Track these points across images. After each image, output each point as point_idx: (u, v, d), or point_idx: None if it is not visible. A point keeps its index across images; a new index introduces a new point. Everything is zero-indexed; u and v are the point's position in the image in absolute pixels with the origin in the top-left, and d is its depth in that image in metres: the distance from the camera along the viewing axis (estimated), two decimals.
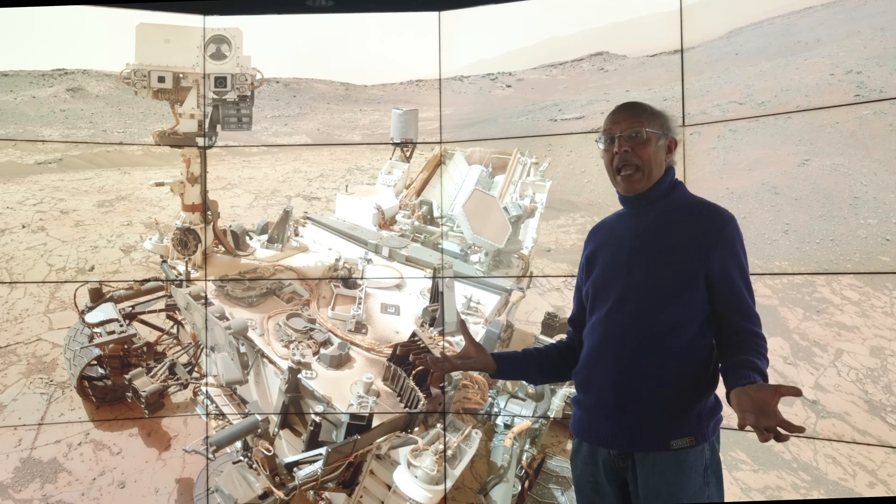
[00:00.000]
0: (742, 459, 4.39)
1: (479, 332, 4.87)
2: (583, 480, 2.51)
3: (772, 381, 2.15)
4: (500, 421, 4.74)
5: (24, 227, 10.34)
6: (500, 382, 4.98)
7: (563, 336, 2.76)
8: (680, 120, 2.52)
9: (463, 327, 2.67)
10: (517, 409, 4.76)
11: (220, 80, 5.25)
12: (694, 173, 4.37)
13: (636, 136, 2.38)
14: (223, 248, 5.72)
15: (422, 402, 4.04)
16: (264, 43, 5.60)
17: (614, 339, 2.36)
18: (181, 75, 5.23)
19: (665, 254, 2.33)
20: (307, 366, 4.26)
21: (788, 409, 4.26)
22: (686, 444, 2.27)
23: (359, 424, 3.90)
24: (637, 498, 2.34)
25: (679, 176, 2.48)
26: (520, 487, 4.49)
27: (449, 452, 3.91)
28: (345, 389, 4.20)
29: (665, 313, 2.27)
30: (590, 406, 2.45)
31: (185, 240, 5.47)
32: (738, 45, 4.62)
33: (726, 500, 2.43)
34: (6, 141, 7.36)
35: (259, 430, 3.93)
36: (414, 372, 4.12)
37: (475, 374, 4.53)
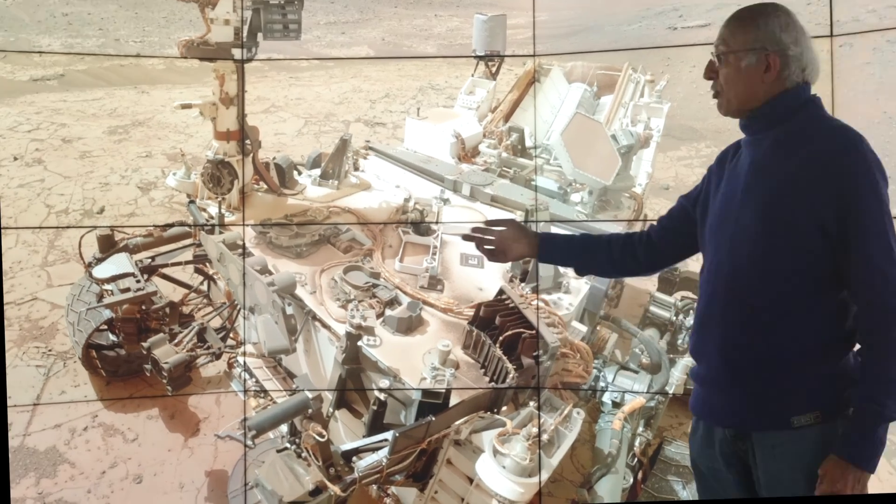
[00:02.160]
0: None
1: (581, 288, 4.85)
2: (701, 466, 2.66)
3: None
4: (607, 398, 4.78)
5: (16, 159, 10.53)
6: (607, 350, 5.00)
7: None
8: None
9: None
10: (628, 384, 4.80)
11: None
12: (844, 94, 4.15)
13: (719, 56, 2.46)
14: (265, 186, 5.71)
15: (511, 376, 3.93)
16: None
17: (722, 298, 2.43)
18: None
19: (776, 193, 2.33)
20: (369, 331, 4.20)
21: None
22: (811, 420, 2.31)
23: (433, 403, 3.83)
24: (758, 485, 2.43)
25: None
26: (632, 480, 4.44)
27: (544, 437, 3.76)
28: (416, 360, 4.15)
29: (778, 266, 2.29)
30: (702, 377, 2.57)
31: (219, 175, 5.47)
32: None
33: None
34: None
35: (310, 411, 3.84)
36: (502, 338, 4.01)
37: (577, 340, 4.45)
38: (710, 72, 2.46)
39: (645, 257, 2.85)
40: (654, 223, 2.88)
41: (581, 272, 3.25)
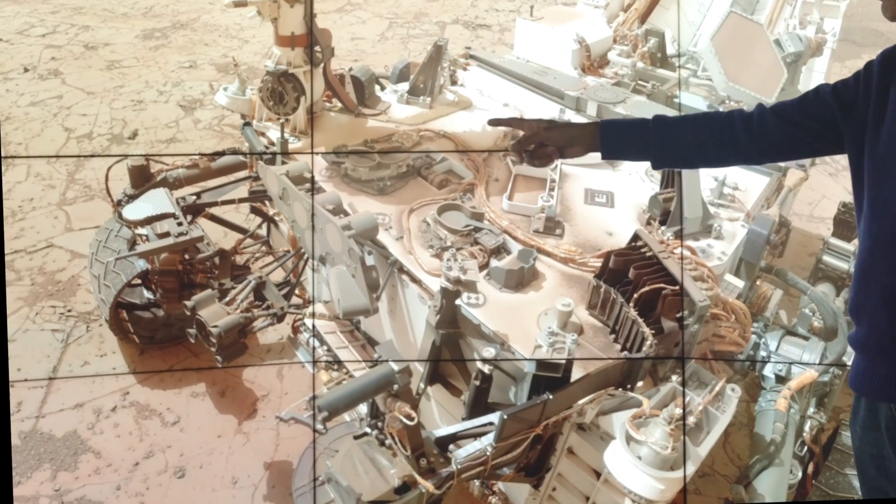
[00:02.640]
0: None
1: (737, 233, 4.82)
2: (863, 453, 2.63)
3: None
4: (769, 371, 4.70)
5: (26, 70, 10.73)
6: (769, 311, 5.01)
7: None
8: None
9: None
10: (796, 353, 4.77)
11: None
12: None
13: None
14: (339, 104, 5.71)
15: (648, 343, 3.86)
16: None
17: (886, 245, 2.34)
18: None
19: None
20: (470, 286, 4.14)
21: None
22: None
23: (551, 377, 3.77)
24: None
25: None
26: (800, 473, 4.41)
27: (690, 420, 3.75)
28: (529, 322, 4.10)
29: None
30: (863, 343, 2.50)
31: (281, 90, 5.49)
32: None
33: None
34: None
35: (395, 387, 3.82)
36: (637, 295, 3.95)
37: (732, 298, 4.39)
38: None
39: (750, 143, 2.79)
40: (768, 104, 2.79)
41: (658, 163, 3.11)
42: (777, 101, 2.80)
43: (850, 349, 4.68)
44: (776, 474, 4.24)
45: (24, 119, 8.95)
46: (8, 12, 10.98)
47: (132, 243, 5.28)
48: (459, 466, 3.56)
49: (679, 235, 4.51)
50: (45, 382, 5.42)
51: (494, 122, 3.02)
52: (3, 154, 7.44)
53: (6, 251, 6.78)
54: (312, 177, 4.88)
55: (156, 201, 5.12)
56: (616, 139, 2.85)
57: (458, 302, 4.10)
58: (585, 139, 2.83)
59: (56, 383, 5.41)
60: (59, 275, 6.59)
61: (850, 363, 4.60)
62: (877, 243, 2.39)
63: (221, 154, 5.70)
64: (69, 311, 6.14)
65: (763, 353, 4.71)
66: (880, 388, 2.42)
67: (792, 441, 4.38)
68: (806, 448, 4.51)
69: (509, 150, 3.09)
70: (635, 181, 5.23)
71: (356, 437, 3.75)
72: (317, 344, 4.80)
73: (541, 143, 2.88)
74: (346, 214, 4.52)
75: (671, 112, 5.75)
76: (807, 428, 4.59)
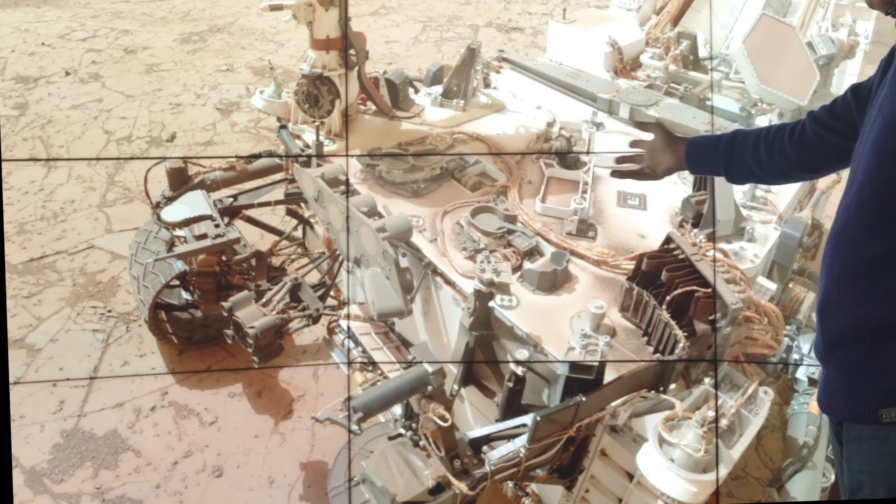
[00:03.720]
0: None
1: (769, 236, 4.80)
2: (837, 458, 2.60)
3: None
4: (802, 374, 4.70)
5: (68, 73, 10.79)
6: (802, 314, 5.01)
7: None
8: None
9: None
10: None
11: None
12: None
13: None
14: (373, 107, 5.73)
15: (681, 345, 3.84)
16: None
17: (830, 247, 2.36)
18: None
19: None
20: (504, 288, 4.15)
21: None
22: None
23: (584, 379, 3.77)
24: (843, 487, 2.46)
25: None
26: (833, 477, 4.33)
27: (723, 423, 3.73)
28: (562, 325, 4.10)
29: (883, 213, 2.17)
30: (817, 345, 2.51)
31: (316, 93, 5.49)
32: None
33: None
34: None
35: (429, 389, 3.84)
36: (669, 298, 3.94)
37: (765, 301, 4.36)
38: None
39: (796, 155, 2.80)
40: (815, 110, 2.80)
41: (733, 179, 3.14)
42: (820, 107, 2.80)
43: None
44: (809, 477, 4.24)
45: (66, 122, 9.01)
46: (50, 17, 11.07)
47: (170, 245, 5.31)
48: (493, 468, 3.56)
49: (711, 238, 4.52)
50: (87, 382, 5.45)
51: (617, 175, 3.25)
52: (45, 156, 7.50)
53: (48, 252, 6.84)
54: (347, 179, 4.89)
55: (193, 203, 5.17)
56: (697, 160, 3.03)
57: (491, 304, 4.10)
58: (680, 158, 3.01)
59: (97, 383, 5.45)
60: (100, 276, 6.63)
61: None
62: (827, 244, 2.41)
63: (258, 157, 5.72)
64: (109, 311, 6.18)
65: (795, 356, 4.69)
66: (819, 393, 2.50)
67: (825, 444, 4.35)
68: None
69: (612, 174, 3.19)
70: (668, 184, 5.19)
71: (391, 438, 3.76)
72: (352, 345, 4.81)
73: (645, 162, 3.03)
74: (381, 216, 4.53)
75: (703, 115, 5.76)
76: None
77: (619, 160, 3.16)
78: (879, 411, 2.22)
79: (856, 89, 2.62)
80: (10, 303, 6.22)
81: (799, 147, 2.74)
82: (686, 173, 5.09)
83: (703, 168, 3.22)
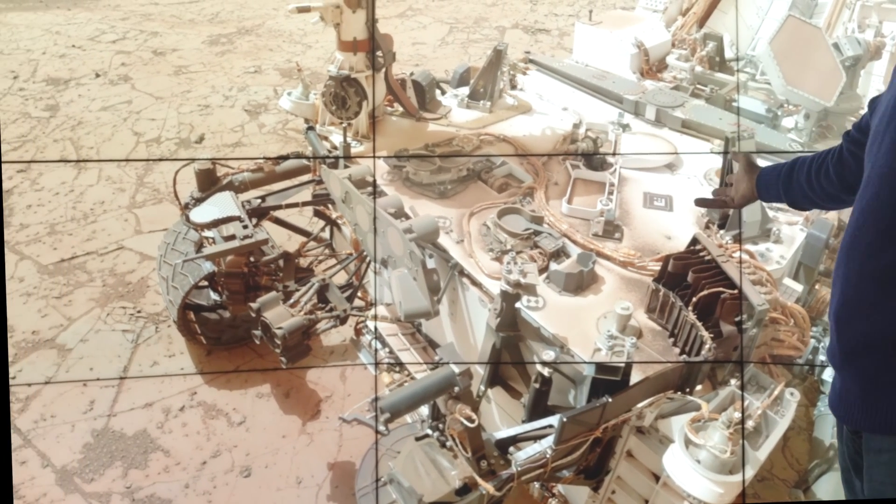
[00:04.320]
0: None
1: (795, 237, 4.77)
2: (842, 462, 2.69)
3: None
4: (828, 375, 4.64)
5: (98, 75, 10.84)
6: (827, 317, 4.83)
7: None
8: None
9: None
10: None
11: None
12: None
13: None
14: (400, 108, 5.74)
15: (707, 346, 3.83)
16: None
17: (844, 254, 2.34)
18: None
19: None
20: (530, 289, 4.18)
21: None
22: None
23: (610, 380, 3.77)
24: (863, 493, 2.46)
25: None
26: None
27: (749, 424, 3.70)
28: (588, 326, 4.10)
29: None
30: (830, 355, 2.48)
31: (344, 95, 5.51)
32: None
33: None
34: None
35: (456, 389, 3.82)
36: (696, 299, 3.93)
37: (791, 303, 4.36)
38: None
39: (837, 176, 2.79)
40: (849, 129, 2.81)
41: (795, 206, 3.15)
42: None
43: None
44: (835, 479, 4.20)
45: (96, 123, 9.04)
46: (80, 19, 11.14)
47: (199, 246, 5.33)
48: (519, 468, 3.57)
49: (738, 239, 4.50)
50: (117, 382, 5.48)
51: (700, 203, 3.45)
52: (76, 158, 7.55)
53: (79, 253, 6.88)
54: (374, 180, 4.90)
55: (222, 204, 5.18)
56: (764, 189, 3.10)
57: (517, 305, 4.11)
58: (752, 191, 3.12)
59: (126, 383, 5.47)
60: (129, 276, 6.65)
61: None
62: (840, 249, 2.39)
63: (285, 158, 5.73)
64: (139, 311, 6.20)
65: (822, 358, 4.63)
66: (833, 403, 2.46)
67: None
68: None
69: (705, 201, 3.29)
70: (694, 185, 5.20)
71: (418, 439, 3.77)
72: (379, 346, 4.83)
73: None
74: (408, 218, 4.53)
75: (729, 116, 5.74)
76: None
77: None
78: None
79: (873, 100, 2.59)
80: (41, 303, 6.25)
81: (838, 168, 2.74)
82: (713, 174, 5.11)
83: (770, 196, 3.25)
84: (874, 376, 2.25)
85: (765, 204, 4.74)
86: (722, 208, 3.31)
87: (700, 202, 3.46)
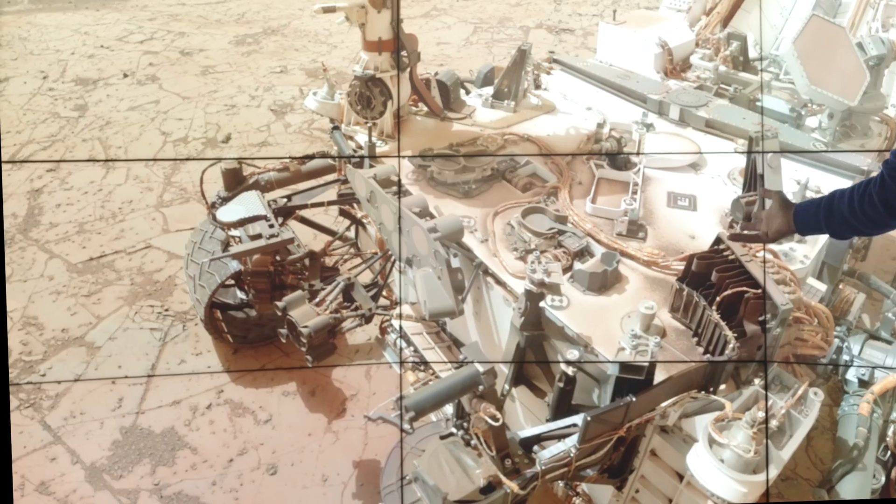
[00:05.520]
0: None
1: (819, 237, 4.75)
2: None
3: None
4: (852, 375, 4.64)
5: (126, 76, 10.86)
6: (852, 315, 4.94)
7: None
8: None
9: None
10: (879, 357, 4.69)
11: None
12: None
13: None
14: (425, 108, 5.76)
15: (731, 346, 3.84)
16: None
17: None
18: None
19: None
20: (554, 288, 4.19)
21: None
22: None
23: (634, 379, 3.79)
24: None
25: None
26: (884, 478, 4.34)
27: (773, 424, 3.69)
28: (612, 325, 4.11)
29: None
30: None
31: (369, 95, 5.52)
32: None
33: None
34: None
35: (480, 388, 3.82)
36: (719, 298, 3.93)
37: (815, 302, 4.35)
38: None
39: (882, 203, 2.82)
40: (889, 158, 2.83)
41: (836, 235, 3.23)
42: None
43: None
44: (859, 479, 4.21)
45: (124, 123, 9.08)
46: (109, 20, 11.21)
47: (226, 245, 5.36)
48: (544, 467, 3.59)
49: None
50: (145, 380, 5.51)
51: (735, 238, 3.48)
52: (104, 157, 7.61)
53: (107, 252, 6.92)
54: (399, 180, 4.91)
55: (248, 204, 5.22)
56: (804, 222, 3.13)
57: (542, 304, 4.12)
58: (788, 226, 3.16)
59: (154, 380, 5.50)
60: (157, 275, 6.68)
61: None
62: None
63: (311, 157, 5.77)
64: (166, 310, 6.23)
65: (846, 357, 4.66)
66: None
67: (875, 445, 4.33)
68: (889, 453, 4.44)
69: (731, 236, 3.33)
70: (718, 184, 5.20)
71: (442, 437, 3.81)
72: (403, 345, 4.84)
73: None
74: (432, 217, 4.55)
75: (753, 116, 5.73)
76: (890, 432, 4.50)
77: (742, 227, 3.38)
78: None
79: None
80: (70, 301, 6.30)
81: (882, 195, 2.78)
82: (737, 174, 5.10)
83: (808, 229, 3.31)
84: None
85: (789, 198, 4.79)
86: (755, 243, 3.36)
87: (735, 237, 3.53)
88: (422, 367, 4.70)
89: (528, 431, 3.79)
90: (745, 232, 3.37)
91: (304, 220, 5.89)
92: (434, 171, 5.10)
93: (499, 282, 4.46)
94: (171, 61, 11.40)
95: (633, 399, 3.59)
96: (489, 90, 6.20)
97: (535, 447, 3.69)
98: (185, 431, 5.25)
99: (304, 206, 5.74)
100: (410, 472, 3.75)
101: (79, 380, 5.48)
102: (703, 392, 3.89)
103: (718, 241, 4.22)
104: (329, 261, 5.69)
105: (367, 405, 5.18)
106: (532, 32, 12.49)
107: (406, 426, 3.68)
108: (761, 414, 3.56)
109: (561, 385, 3.90)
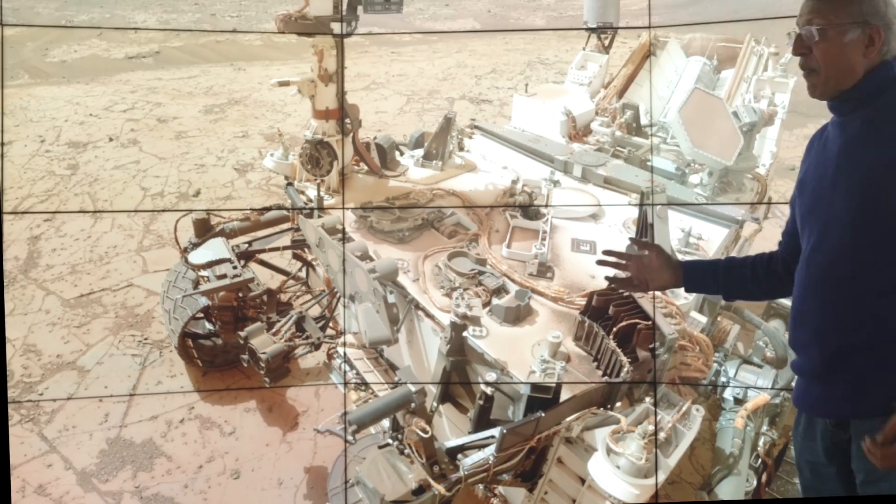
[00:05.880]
0: None
1: None
2: (802, 459, 2.74)
3: None
4: (728, 394, 4.71)
5: (111, 139, 10.78)
6: (728, 343, 4.97)
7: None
8: None
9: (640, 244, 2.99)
10: (751, 379, 4.75)
11: None
12: None
13: (811, 33, 2.39)
14: (365, 167, 5.79)
15: (625, 369, 3.87)
16: None
17: (815, 287, 2.45)
18: None
19: (868, 174, 2.30)
20: (475, 321, 4.19)
21: None
22: None
23: (543, 398, 3.79)
24: (858, 478, 2.47)
25: None
26: (755, 482, 4.39)
27: (661, 435, 3.71)
28: (524, 351, 4.11)
29: (871, 252, 2.26)
30: (802, 368, 2.60)
31: (317, 156, 5.53)
32: None
33: None
34: (90, 29, 7.69)
35: (412, 405, 3.85)
36: (615, 329, 3.96)
37: (697, 332, 4.40)
38: (802, 48, 2.42)
39: (786, 275, 2.80)
40: (778, 243, 2.90)
41: (729, 298, 3.21)
42: None
43: None
44: (734, 483, 4.24)
45: (110, 180, 9.04)
46: (97, 92, 11.16)
47: (196, 283, 5.38)
48: (466, 473, 3.57)
49: None
50: (127, 398, 5.49)
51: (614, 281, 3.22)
52: (93, 209, 7.58)
53: (95, 289, 6.87)
54: (343, 228, 4.89)
55: (215, 248, 5.24)
56: (694, 282, 3.00)
57: (465, 334, 4.11)
58: (675, 278, 2.98)
59: (135, 399, 5.49)
60: (138, 309, 6.66)
61: None
62: (806, 290, 2.49)
63: (269, 209, 5.78)
64: (146, 339, 6.22)
65: (723, 379, 4.71)
66: (816, 405, 2.55)
67: (748, 454, 4.39)
68: (760, 460, 4.50)
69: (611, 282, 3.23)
70: (614, 232, 5.23)
71: (380, 447, 3.80)
72: (347, 368, 4.81)
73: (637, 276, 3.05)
74: (372, 260, 4.53)
75: (644, 174, 5.79)
76: (761, 443, 4.57)
77: (607, 252, 3.17)
78: (893, 403, 2.26)
79: (793, 198, 2.71)
80: (63, 331, 6.29)
81: (787, 269, 2.77)
82: (630, 222, 5.13)
83: (700, 289, 3.32)
84: (864, 374, 2.36)
85: (674, 248, 4.81)
86: (633, 291, 3.33)
87: (614, 281, 3.28)
88: (363, 388, 4.68)
89: (453, 442, 3.77)
90: (621, 278, 3.21)
91: (262, 263, 5.89)
92: (373, 221, 5.09)
93: (428, 315, 4.44)
94: (149, 127, 11.34)
95: (542, 415, 3.59)
96: (420, 152, 6.20)
97: (459, 455, 3.67)
98: (162, 442, 5.23)
99: (263, 251, 5.75)
100: (353, 476, 3.72)
101: (71, 398, 5.44)
102: (601, 409, 3.91)
103: (614, 280, 4.26)
104: (284, 297, 5.67)
105: (316, 419, 5.18)
106: (457, 103, 12.56)
107: (349, 437, 3.68)
108: (651, 427, 3.56)
109: (481, 403, 3.89)
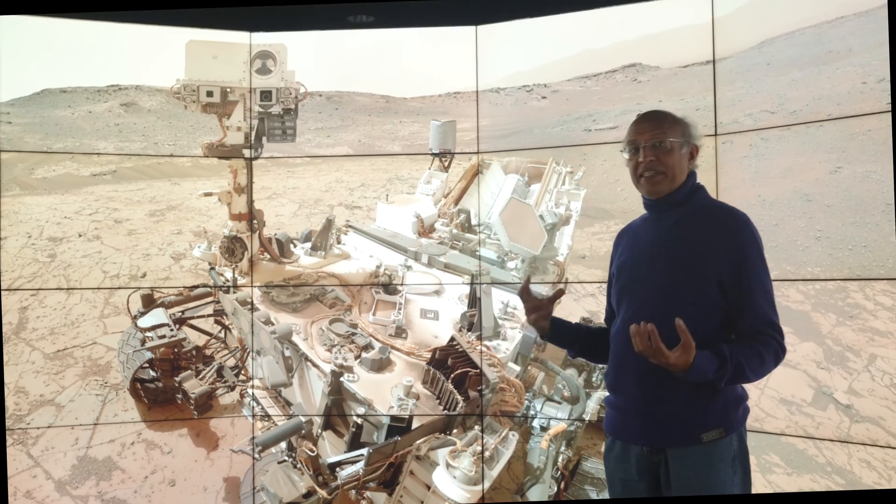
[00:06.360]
0: (776, 463, 4.32)
1: (515, 336, 4.87)
2: (614, 478, 2.54)
3: (805, 384, 2.16)
4: (536, 423, 4.71)
5: (80, 235, 10.45)
6: (536, 386, 4.98)
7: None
8: (702, 127, 2.56)
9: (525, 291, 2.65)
10: (553, 412, 4.73)
11: (266, 94, 5.28)
12: (726, 181, 4.30)
13: (660, 145, 2.39)
14: (268, 256, 5.78)
15: (460, 405, 4.02)
16: (308, 58, 5.65)
17: (626, 344, 2.32)
18: (228, 90, 5.27)
19: (681, 258, 2.34)
20: (349, 369, 4.28)
21: (822, 413, 4.22)
22: (716, 435, 2.30)
23: (399, 426, 3.92)
24: (668, 490, 2.36)
25: (710, 184, 2.54)
26: (556, 488, 4.48)
27: (487, 454, 3.88)
28: (385, 392, 4.22)
29: (683, 316, 2.16)
30: (621, 406, 2.49)
31: (232, 248, 5.51)
32: (770, 55, 4.53)
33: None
34: (64, 154, 7.58)
35: (303, 432, 3.97)
36: (453, 375, 4.11)
37: (512, 377, 4.52)
38: (651, 155, 2.38)
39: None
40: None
41: (574, 356, 2.92)
42: None
43: (587, 409, 4.69)
44: (540, 489, 4.32)
45: (79, 266, 8.79)
46: (70, 200, 10.97)
47: (143, 342, 5.31)
48: (342, 481, 3.69)
49: (479, 338, 4.66)
50: (92, 426, 5.41)
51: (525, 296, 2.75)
52: (67, 287, 7.45)
53: (69, 346, 6.72)
54: (252, 301, 4.94)
55: (157, 316, 5.32)
56: (554, 336, 2.69)
57: (341, 379, 4.20)
58: (545, 328, 2.65)
59: (99, 427, 5.38)
60: (100, 360, 6.50)
61: (587, 419, 4.59)
62: (623, 350, 2.38)
63: (197, 287, 5.79)
64: (106, 383, 6.10)
65: (532, 412, 4.73)
66: (636, 435, 2.43)
67: (550, 467, 4.41)
68: (559, 472, 4.53)
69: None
70: (453, 304, 5.27)
71: (279, 462, 3.83)
72: (255, 404, 4.81)
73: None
74: (273, 324, 4.59)
75: (474, 261, 5.73)
76: (560, 460, 4.58)
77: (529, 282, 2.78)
78: (702, 435, 2.28)
79: (608, 293, 2.65)
80: (45, 377, 6.15)
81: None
82: (464, 297, 5.17)
83: (557, 343, 2.80)
84: (676, 412, 2.32)
85: (496, 316, 4.88)
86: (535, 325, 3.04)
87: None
88: (266, 419, 4.71)
89: (333, 459, 3.85)
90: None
91: (192, 326, 5.81)
92: (274, 296, 5.13)
93: (315, 365, 4.49)
94: (108, 227, 11.04)
95: (399, 439, 3.76)
96: (308, 244, 6.15)
97: (337, 468, 3.76)
98: (118, 459, 5.15)
99: (193, 318, 5.73)
100: (259, 484, 3.78)
101: (51, 426, 5.34)
102: (443, 434, 4.05)
103: (452, 339, 4.38)
104: (208, 352, 5.63)
105: (231, 442, 5.14)
106: (335, 208, 12.57)
107: (256, 455, 3.78)
108: (479, 448, 3.77)
109: (353, 430, 4.00)
